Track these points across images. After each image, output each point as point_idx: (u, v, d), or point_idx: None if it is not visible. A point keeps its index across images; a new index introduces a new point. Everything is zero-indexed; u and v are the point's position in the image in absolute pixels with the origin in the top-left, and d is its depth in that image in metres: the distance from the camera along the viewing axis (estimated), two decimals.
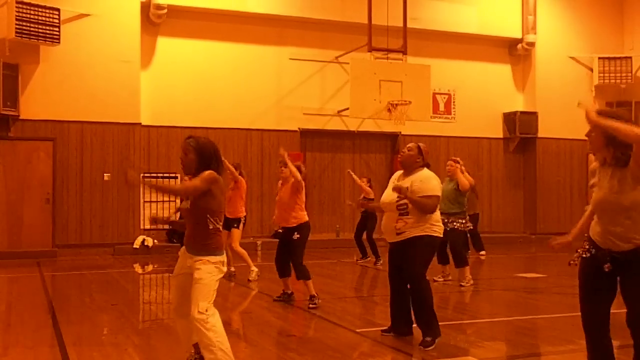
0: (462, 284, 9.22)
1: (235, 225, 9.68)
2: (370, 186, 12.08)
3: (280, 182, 7.91)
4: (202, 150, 4.59)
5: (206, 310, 4.45)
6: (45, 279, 10.30)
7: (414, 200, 5.67)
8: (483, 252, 13.49)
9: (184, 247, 4.73)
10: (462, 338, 6.21)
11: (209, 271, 4.51)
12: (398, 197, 5.76)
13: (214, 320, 4.50)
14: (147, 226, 14.35)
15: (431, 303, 5.75)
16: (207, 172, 4.51)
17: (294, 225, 7.53)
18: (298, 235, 7.47)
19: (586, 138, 3.87)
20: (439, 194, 5.86)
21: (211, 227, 4.56)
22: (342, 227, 15.87)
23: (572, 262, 4.09)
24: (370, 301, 8.83)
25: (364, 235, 12.14)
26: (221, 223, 4.67)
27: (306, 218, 7.61)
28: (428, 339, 5.62)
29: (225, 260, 4.68)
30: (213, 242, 4.57)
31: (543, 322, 7.00)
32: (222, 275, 4.62)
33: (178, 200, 13.96)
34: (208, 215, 4.53)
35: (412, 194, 5.69)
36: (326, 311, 7.29)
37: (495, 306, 8.23)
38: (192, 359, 4.92)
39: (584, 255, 3.96)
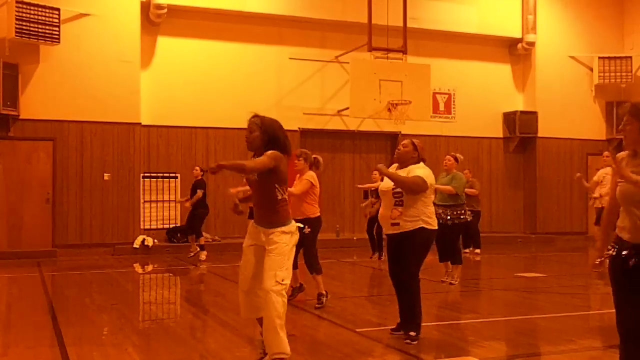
0: (452, 282, 9.13)
1: None
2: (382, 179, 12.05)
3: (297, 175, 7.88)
4: (266, 129, 4.77)
5: (283, 280, 4.49)
6: (45, 279, 10.30)
7: (400, 180, 5.75)
8: (478, 251, 13.49)
9: (252, 220, 4.80)
10: (462, 338, 6.21)
11: (284, 241, 4.55)
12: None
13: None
14: (148, 225, 14.38)
15: (418, 301, 5.87)
16: (271, 151, 4.61)
17: (303, 218, 7.48)
18: (309, 229, 7.37)
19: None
20: (426, 178, 5.85)
21: (279, 197, 4.64)
22: (342, 227, 15.89)
23: (598, 260, 3.98)
24: (371, 301, 8.83)
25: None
26: (287, 195, 4.74)
27: (317, 213, 7.54)
28: (412, 333, 5.76)
29: (296, 227, 4.71)
30: (282, 212, 4.65)
31: (543, 322, 6.99)
32: (295, 241, 4.67)
33: (180, 201, 14.15)
34: (276, 186, 4.61)
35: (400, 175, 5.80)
36: (326, 311, 7.30)
37: (495, 306, 8.23)
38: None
39: (609, 252, 3.76)
